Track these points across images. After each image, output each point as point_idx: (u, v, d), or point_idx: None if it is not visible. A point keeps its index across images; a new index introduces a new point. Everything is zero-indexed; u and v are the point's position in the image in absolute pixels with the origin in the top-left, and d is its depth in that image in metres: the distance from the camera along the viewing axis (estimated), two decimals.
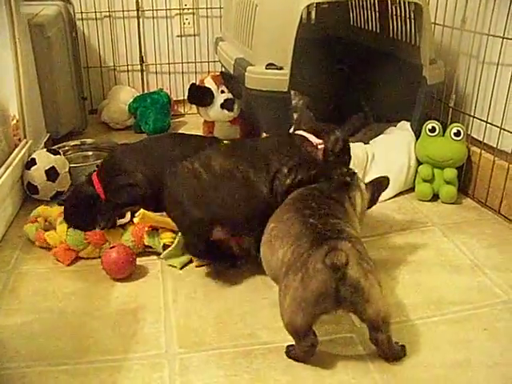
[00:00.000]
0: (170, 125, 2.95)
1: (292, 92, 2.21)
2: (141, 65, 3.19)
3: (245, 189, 1.61)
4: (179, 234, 1.74)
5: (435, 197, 2.15)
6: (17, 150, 2.14)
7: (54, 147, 2.32)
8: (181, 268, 1.72)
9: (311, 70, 2.61)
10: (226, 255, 1.71)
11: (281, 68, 2.06)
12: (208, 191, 1.60)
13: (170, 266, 1.73)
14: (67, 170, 2.18)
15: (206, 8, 3.15)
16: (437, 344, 1.39)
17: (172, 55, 3.20)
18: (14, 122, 2.23)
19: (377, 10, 2.58)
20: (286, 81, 2.06)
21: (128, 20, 3.10)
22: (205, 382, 1.28)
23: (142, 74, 3.22)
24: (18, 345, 1.40)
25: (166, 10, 3.12)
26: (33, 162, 2.12)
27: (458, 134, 2.11)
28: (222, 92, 2.46)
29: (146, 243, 1.77)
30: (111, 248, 1.69)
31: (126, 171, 1.79)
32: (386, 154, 2.19)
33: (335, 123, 2.26)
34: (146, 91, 3.18)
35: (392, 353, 1.32)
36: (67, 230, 1.76)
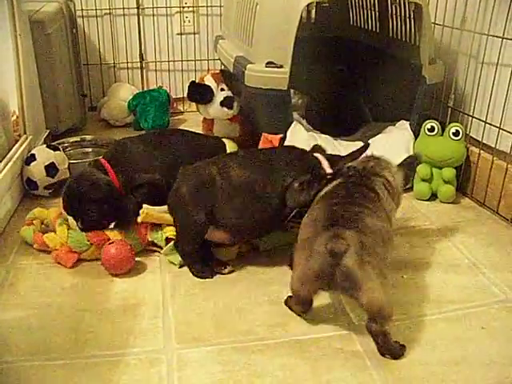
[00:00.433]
0: (170, 122, 2.95)
1: (291, 91, 2.22)
2: (141, 62, 3.20)
3: (258, 201, 1.64)
4: None
5: (434, 196, 2.16)
6: (17, 145, 2.14)
7: (53, 143, 2.32)
8: (180, 266, 1.71)
9: (311, 69, 2.62)
10: (209, 263, 1.70)
11: (280, 66, 2.07)
12: (220, 198, 1.61)
13: (170, 262, 1.72)
14: (67, 166, 2.19)
15: (206, 6, 3.16)
16: (434, 342, 1.39)
17: (172, 53, 3.20)
18: (14, 117, 2.24)
19: (377, 9, 2.59)
20: (286, 79, 2.06)
21: (128, 17, 3.11)
22: (202, 377, 1.29)
23: (142, 72, 3.22)
24: (17, 339, 1.40)
25: (167, 7, 3.12)
26: (32, 158, 2.12)
27: (456, 133, 2.12)
28: (222, 90, 2.46)
29: (150, 239, 1.76)
30: (110, 244, 1.68)
31: (144, 168, 1.82)
32: (384, 153, 2.17)
33: (334, 122, 2.28)
34: (145, 89, 3.18)
35: (387, 348, 1.33)
36: (68, 232, 1.73)
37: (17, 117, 2.24)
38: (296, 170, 1.66)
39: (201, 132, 2.49)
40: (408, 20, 2.29)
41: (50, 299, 1.56)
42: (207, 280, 1.65)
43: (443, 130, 2.16)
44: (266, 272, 1.69)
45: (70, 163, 2.21)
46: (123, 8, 3.08)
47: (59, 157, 2.17)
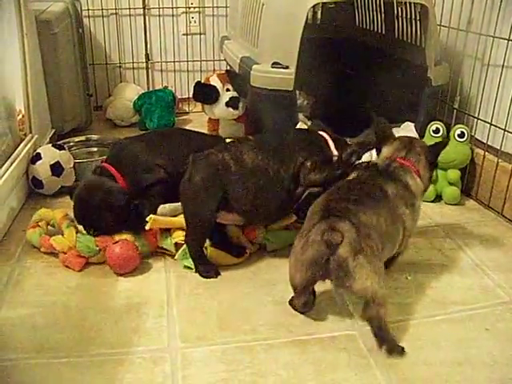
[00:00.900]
0: (175, 122, 2.95)
1: (297, 92, 2.22)
2: (146, 62, 3.20)
3: (271, 183, 1.65)
4: None
5: (438, 198, 2.16)
6: (22, 144, 2.15)
7: (59, 142, 2.32)
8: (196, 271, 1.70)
9: (316, 70, 2.61)
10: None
11: (286, 67, 2.07)
12: (234, 184, 1.62)
13: (186, 267, 1.70)
14: (72, 165, 2.19)
15: (212, 7, 3.16)
16: (438, 343, 1.39)
17: (178, 53, 3.21)
18: (20, 116, 2.24)
19: (382, 11, 2.59)
20: (292, 80, 2.06)
21: (134, 18, 3.11)
22: (206, 376, 1.29)
23: (148, 72, 3.23)
24: (22, 337, 1.41)
25: (173, 8, 3.13)
26: (38, 157, 2.13)
27: (461, 135, 2.12)
28: (228, 90, 2.47)
29: (160, 245, 1.75)
30: (115, 243, 1.68)
31: (149, 168, 1.83)
32: None
33: (339, 123, 2.27)
34: (151, 89, 3.19)
35: (383, 335, 1.35)
36: (77, 236, 1.72)
37: (22, 116, 2.24)
38: (306, 150, 1.69)
39: (204, 131, 2.49)
40: (414, 22, 2.29)
41: (54, 298, 1.57)
42: (212, 279, 1.65)
43: (448, 132, 2.15)
44: (271, 272, 1.69)
45: (75, 162, 2.22)
46: (129, 8, 3.09)
47: (64, 156, 2.18)
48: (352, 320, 1.48)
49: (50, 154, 2.15)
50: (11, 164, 2.00)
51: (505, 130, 2.01)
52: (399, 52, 2.43)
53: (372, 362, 1.32)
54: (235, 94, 2.45)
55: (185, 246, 1.70)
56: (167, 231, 1.76)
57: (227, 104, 2.45)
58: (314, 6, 2.04)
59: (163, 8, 3.12)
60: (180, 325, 1.46)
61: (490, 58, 2.10)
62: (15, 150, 2.09)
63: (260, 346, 1.38)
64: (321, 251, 1.33)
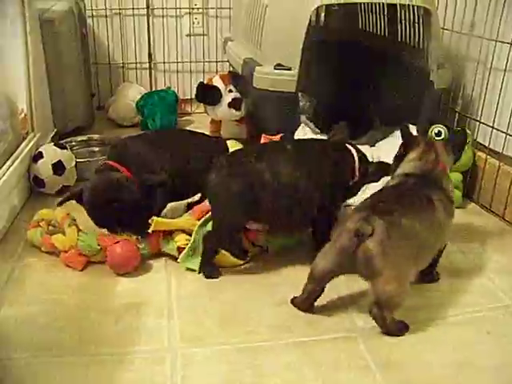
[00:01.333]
0: (177, 123, 2.96)
1: (300, 94, 2.22)
2: (149, 63, 3.21)
3: (303, 197, 1.65)
4: (193, 236, 1.72)
5: None
6: (24, 143, 2.15)
7: (61, 142, 2.33)
8: (199, 272, 1.68)
9: (319, 73, 2.62)
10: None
11: (289, 69, 2.07)
12: (267, 197, 1.60)
13: (189, 269, 1.69)
14: (74, 164, 2.19)
15: (216, 8, 3.17)
16: (439, 345, 1.39)
17: (180, 54, 3.21)
18: (22, 115, 2.24)
19: (386, 14, 2.59)
20: (294, 82, 2.06)
21: (138, 18, 3.12)
22: (206, 377, 1.29)
23: (151, 72, 3.23)
24: (22, 336, 1.41)
25: (176, 9, 3.13)
26: (40, 156, 2.13)
27: None
28: (230, 91, 2.47)
29: (163, 249, 1.74)
30: (115, 243, 1.68)
31: (152, 168, 1.81)
32: (391, 157, 2.19)
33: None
34: (153, 89, 3.19)
35: (385, 330, 1.40)
36: (78, 235, 1.70)
37: (25, 114, 2.24)
38: (335, 170, 1.71)
39: (206, 132, 2.48)
40: (417, 25, 2.29)
41: (55, 296, 1.57)
42: (213, 280, 1.65)
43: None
44: (272, 274, 1.69)
45: (77, 162, 2.22)
46: (133, 8, 3.09)
47: (66, 155, 2.18)
48: (352, 322, 1.48)
49: (51, 153, 2.15)
50: (13, 162, 2.00)
51: (507, 134, 2.01)
52: (402, 55, 2.43)
53: (372, 365, 1.32)
54: (238, 95, 2.45)
55: (187, 249, 1.70)
56: (169, 235, 1.75)
57: (230, 105, 2.45)
58: (317, 9, 2.04)
59: (167, 8, 3.12)
60: (180, 325, 1.46)
61: (493, 61, 2.10)
62: (17, 148, 2.09)
63: (261, 347, 1.38)
64: (350, 240, 1.36)
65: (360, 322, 1.48)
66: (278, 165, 1.63)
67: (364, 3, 2.73)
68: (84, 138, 2.56)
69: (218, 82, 2.48)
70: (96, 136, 2.58)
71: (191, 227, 1.74)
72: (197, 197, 2.00)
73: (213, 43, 3.22)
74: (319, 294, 1.49)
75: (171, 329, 1.44)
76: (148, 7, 3.10)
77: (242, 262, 1.72)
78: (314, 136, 2.24)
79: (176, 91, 3.06)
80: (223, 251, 1.69)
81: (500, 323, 1.48)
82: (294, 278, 1.60)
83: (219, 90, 2.46)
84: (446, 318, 1.50)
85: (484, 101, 2.15)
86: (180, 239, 1.73)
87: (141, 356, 1.35)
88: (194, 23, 3.17)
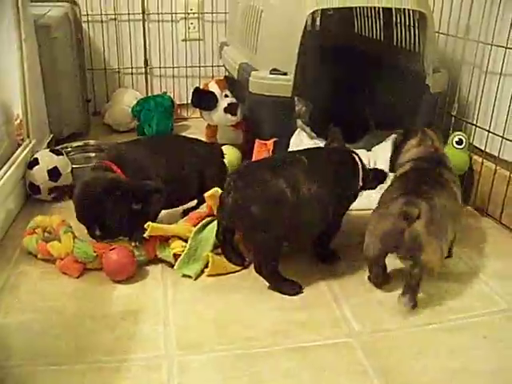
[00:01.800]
0: (173, 128, 2.95)
1: (295, 98, 2.22)
2: (145, 68, 3.21)
3: (322, 212, 1.65)
4: (189, 242, 1.72)
5: None
6: (20, 149, 2.15)
7: (56, 148, 2.32)
8: (195, 278, 1.68)
9: (315, 77, 2.61)
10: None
11: (285, 74, 2.07)
12: (289, 214, 1.56)
13: (185, 275, 1.68)
14: (69, 170, 2.19)
15: (212, 13, 3.17)
16: (436, 350, 1.39)
17: (176, 59, 3.21)
18: (18, 121, 2.24)
19: (381, 18, 2.59)
20: (290, 86, 2.06)
21: (133, 23, 3.12)
22: (203, 383, 1.28)
23: (146, 77, 3.23)
24: (17, 344, 1.40)
25: (172, 13, 3.13)
26: (35, 162, 2.12)
27: (460, 142, 2.12)
28: (226, 96, 2.46)
29: (159, 256, 1.74)
30: (111, 250, 1.67)
31: (148, 174, 1.80)
32: (387, 161, 2.19)
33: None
34: (149, 94, 3.18)
35: (411, 292, 1.51)
36: (74, 242, 1.69)
37: (20, 120, 2.24)
38: (347, 176, 1.74)
39: (202, 138, 2.48)
40: (412, 29, 2.29)
41: (51, 304, 1.56)
42: (209, 286, 1.64)
43: (447, 139, 2.15)
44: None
45: (73, 168, 2.21)
46: (128, 13, 3.09)
47: (62, 161, 2.17)
48: (350, 327, 1.47)
49: (47, 159, 2.15)
50: (8, 169, 1.99)
51: (503, 138, 2.01)
52: (398, 59, 2.44)
53: (370, 370, 1.32)
54: (234, 100, 2.45)
55: (183, 255, 1.69)
56: (165, 241, 1.74)
57: (226, 110, 2.45)
58: (312, 13, 2.04)
59: (162, 14, 3.12)
60: (177, 332, 1.45)
61: (488, 65, 2.10)
62: (13, 154, 2.09)
63: (258, 353, 1.37)
64: (397, 223, 1.48)
65: (358, 326, 1.48)
66: (297, 180, 1.59)
67: (359, 7, 2.73)
68: (80, 143, 2.55)
69: (213, 87, 2.48)
70: (92, 142, 2.57)
71: (187, 233, 1.74)
72: (193, 203, 2.00)
73: (209, 48, 3.23)
74: (385, 268, 1.63)
75: (167, 335, 1.44)
76: (143, 12, 3.10)
77: (239, 268, 1.72)
78: (310, 140, 2.24)
79: (172, 96, 3.05)
80: (222, 258, 1.69)
81: (496, 328, 1.48)
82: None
83: (215, 95, 2.45)
84: (442, 323, 1.50)
85: (480, 104, 2.15)
86: (176, 246, 1.72)
87: (137, 363, 1.34)
88: (189, 28, 3.18)
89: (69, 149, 2.47)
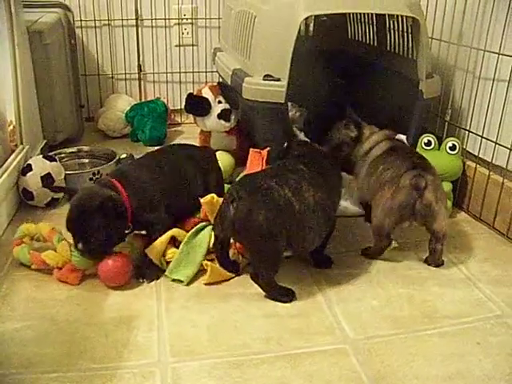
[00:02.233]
0: (167, 134, 2.95)
1: (289, 104, 2.22)
2: (139, 73, 3.20)
3: (325, 217, 1.65)
4: (181, 247, 1.72)
5: None
6: (13, 155, 2.14)
7: (50, 154, 2.32)
8: (187, 284, 1.68)
9: (309, 83, 2.62)
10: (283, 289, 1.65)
11: (278, 79, 2.06)
12: (296, 222, 1.56)
13: (176, 280, 1.68)
14: (63, 176, 2.18)
15: (205, 18, 3.17)
16: (430, 356, 1.39)
17: (170, 64, 3.21)
18: (11, 127, 2.23)
19: (374, 23, 2.60)
20: (283, 92, 2.06)
21: (127, 29, 3.11)
22: None
23: (140, 83, 3.22)
24: (10, 351, 1.39)
25: (165, 19, 3.13)
26: (29, 168, 2.11)
27: (453, 148, 2.12)
28: (219, 102, 2.46)
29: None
30: (108, 256, 1.66)
31: (155, 207, 1.76)
32: None
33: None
34: (143, 100, 3.18)
35: (439, 261, 1.79)
36: (71, 251, 1.67)
37: (13, 127, 2.23)
38: (339, 178, 1.83)
39: (196, 143, 2.47)
40: (405, 34, 2.30)
41: (44, 311, 1.55)
42: (202, 293, 1.64)
43: (440, 144, 2.16)
44: None
45: (66, 174, 2.21)
46: (122, 19, 3.09)
47: (56, 167, 2.17)
48: (344, 334, 1.47)
49: (40, 165, 2.14)
50: (1, 175, 1.98)
51: (496, 143, 2.02)
52: (391, 64, 2.44)
53: (363, 377, 1.32)
54: (227, 106, 2.45)
55: (175, 260, 1.69)
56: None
57: (219, 116, 2.45)
58: (306, 19, 2.04)
59: (156, 19, 3.12)
60: (170, 339, 1.45)
61: (481, 71, 2.11)
62: (6, 161, 2.08)
63: (250, 360, 1.37)
64: (411, 194, 1.68)
65: (352, 333, 1.47)
66: (301, 189, 1.59)
67: (353, 13, 2.74)
68: (73, 149, 2.54)
69: (207, 93, 2.47)
70: (85, 148, 2.56)
71: (182, 237, 1.75)
72: None
73: (202, 54, 3.23)
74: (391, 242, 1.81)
75: (161, 342, 1.43)
76: (137, 18, 3.10)
77: (233, 275, 1.71)
78: None
79: (165, 102, 3.06)
80: (217, 265, 1.69)
81: (490, 334, 1.48)
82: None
83: (208, 101, 2.45)
84: (435, 329, 1.50)
85: (473, 110, 2.16)
86: (168, 253, 1.72)
87: (131, 370, 1.34)
88: (183, 34, 3.18)
89: (62, 155, 2.46)
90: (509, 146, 1.96)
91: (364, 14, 2.64)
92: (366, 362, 1.36)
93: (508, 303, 1.61)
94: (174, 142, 2.65)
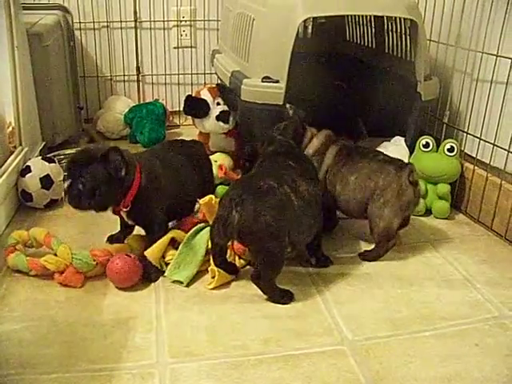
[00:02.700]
0: (165, 136, 2.95)
1: (287, 105, 2.22)
2: (137, 75, 3.21)
3: (319, 210, 1.68)
4: (180, 248, 1.72)
5: (428, 212, 2.16)
6: (12, 157, 2.14)
7: (49, 155, 2.32)
8: (187, 285, 1.68)
9: (307, 85, 2.62)
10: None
11: (277, 81, 2.07)
12: (295, 218, 1.57)
13: (176, 281, 1.68)
14: (62, 178, 2.18)
15: (204, 20, 3.18)
16: (428, 358, 1.39)
17: (169, 66, 3.22)
18: (10, 129, 2.23)
19: (373, 26, 2.61)
20: (282, 94, 2.07)
21: (126, 30, 3.12)
22: None
23: (139, 85, 3.23)
24: (8, 352, 1.39)
25: (164, 21, 3.13)
26: (28, 170, 2.12)
27: (451, 149, 2.13)
28: (218, 104, 2.47)
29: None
30: (118, 258, 1.66)
31: (162, 207, 1.78)
32: None
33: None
34: (141, 101, 3.19)
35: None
36: (72, 254, 1.67)
37: (12, 128, 2.24)
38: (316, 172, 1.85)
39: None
40: (404, 36, 2.31)
41: (42, 312, 1.55)
42: (201, 294, 1.64)
43: (438, 146, 2.16)
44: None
45: (65, 175, 2.20)
46: (120, 21, 3.09)
47: (54, 169, 2.17)
48: (342, 335, 1.47)
49: (39, 166, 2.14)
50: (0, 177, 1.99)
51: (494, 145, 2.02)
52: (389, 66, 2.45)
53: (361, 378, 1.32)
54: (226, 107, 2.45)
55: (174, 261, 1.70)
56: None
57: (218, 118, 2.45)
58: (304, 21, 2.04)
59: (154, 21, 3.13)
60: (169, 340, 1.45)
61: (479, 73, 2.12)
62: (5, 162, 2.08)
63: (249, 361, 1.37)
64: (413, 190, 1.77)
65: (350, 334, 1.47)
66: (298, 184, 1.60)
67: (351, 15, 2.74)
68: (72, 151, 2.53)
69: (205, 95, 2.48)
70: None
71: (181, 238, 1.75)
72: None
73: (201, 55, 3.23)
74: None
75: (160, 344, 1.44)
76: (136, 20, 3.10)
77: (233, 277, 1.72)
78: None
79: (164, 103, 3.06)
80: (216, 269, 1.69)
81: (488, 335, 1.48)
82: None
83: (207, 103, 2.45)
84: (433, 330, 1.50)
85: (471, 112, 2.17)
86: (168, 255, 1.73)
87: (130, 371, 1.33)
88: (181, 35, 3.18)
89: (61, 156, 2.46)
90: (507, 148, 1.97)
91: (362, 16, 2.65)
92: (363, 363, 1.36)
93: (506, 304, 1.62)
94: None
